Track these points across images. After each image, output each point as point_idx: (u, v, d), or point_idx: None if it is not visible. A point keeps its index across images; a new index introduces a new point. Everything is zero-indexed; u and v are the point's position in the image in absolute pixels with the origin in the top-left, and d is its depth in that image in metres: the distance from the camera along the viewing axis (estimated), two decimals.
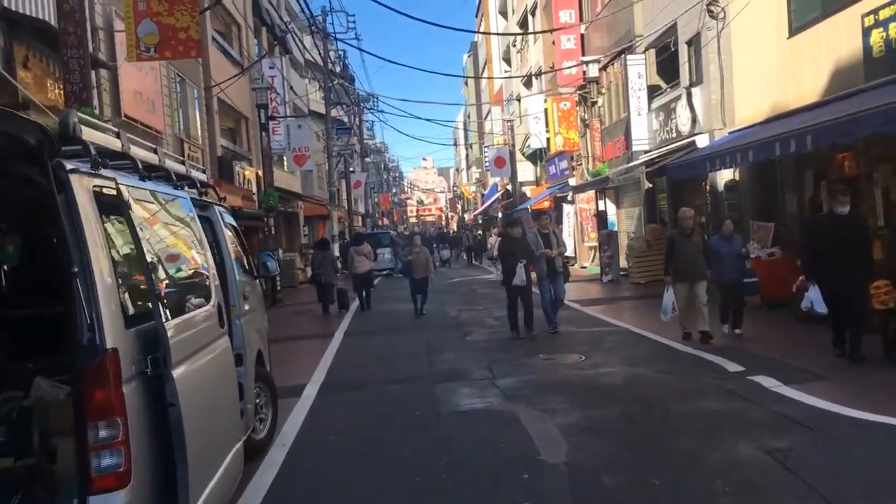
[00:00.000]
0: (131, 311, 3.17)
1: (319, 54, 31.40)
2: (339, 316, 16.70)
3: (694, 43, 16.74)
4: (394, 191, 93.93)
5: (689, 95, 16.43)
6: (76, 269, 2.88)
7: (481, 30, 57.75)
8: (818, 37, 11.92)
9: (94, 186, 3.14)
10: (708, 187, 16.10)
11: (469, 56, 68.74)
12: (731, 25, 14.86)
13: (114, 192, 3.25)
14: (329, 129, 33.24)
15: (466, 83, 70.78)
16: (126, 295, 3.17)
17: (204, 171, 5.86)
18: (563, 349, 10.09)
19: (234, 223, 6.41)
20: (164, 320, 3.28)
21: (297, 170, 27.37)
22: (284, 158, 25.57)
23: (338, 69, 36.23)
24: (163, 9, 8.82)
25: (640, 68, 19.49)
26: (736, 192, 15.27)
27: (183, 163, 5.10)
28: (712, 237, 10.50)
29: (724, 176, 15.37)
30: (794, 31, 12.70)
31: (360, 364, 10.19)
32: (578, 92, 23.72)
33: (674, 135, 17.52)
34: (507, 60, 44.40)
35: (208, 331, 4.09)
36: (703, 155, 13.44)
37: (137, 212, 3.51)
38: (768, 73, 13.59)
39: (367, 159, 56.15)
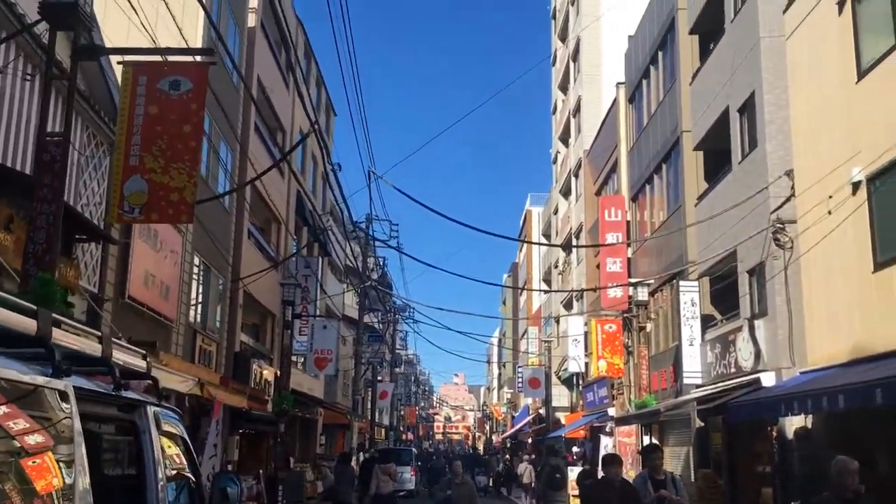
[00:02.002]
0: None
1: (353, 260, 30.86)
2: None
3: (757, 273, 15.42)
4: (422, 404, 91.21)
5: (752, 328, 14.84)
6: None
7: (523, 254, 58.03)
8: None
9: None
10: (775, 433, 14.06)
11: (509, 276, 68.86)
12: (803, 256, 13.55)
13: None
14: (360, 334, 32.03)
15: (504, 302, 70.38)
16: None
17: (145, 356, 4.31)
18: None
19: (182, 432, 4.75)
20: None
21: (318, 374, 25.81)
22: (304, 360, 24.12)
23: (376, 275, 35.65)
24: (158, 165, 7.72)
25: (693, 295, 18.11)
26: (808, 443, 13.20)
27: (99, 339, 3.57)
28: None
29: (794, 422, 13.38)
30: (880, 264, 11.28)
31: None
32: (624, 315, 22.33)
33: (732, 370, 15.74)
34: (548, 282, 43.75)
35: None
36: (776, 395, 11.62)
37: None
38: (849, 309, 12.04)
39: (398, 369, 54.49)
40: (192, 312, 16.24)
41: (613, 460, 8.44)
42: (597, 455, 26.36)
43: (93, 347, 3.63)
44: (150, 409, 4.10)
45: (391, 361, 47.78)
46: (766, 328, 14.63)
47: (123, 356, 4.10)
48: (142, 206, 7.73)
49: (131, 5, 8.61)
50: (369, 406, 36.79)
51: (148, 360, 4.36)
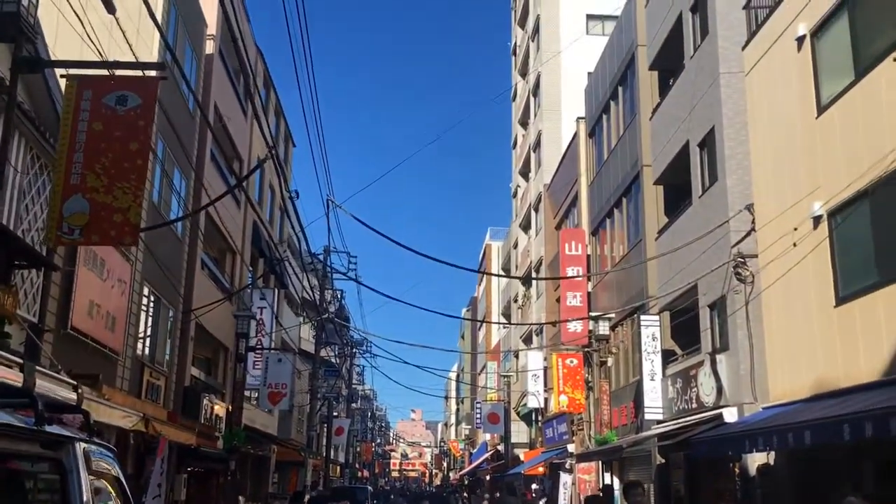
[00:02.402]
0: None
1: (310, 292, 30.32)
2: None
3: (718, 307, 15.36)
4: (378, 441, 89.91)
5: (714, 363, 14.73)
6: None
7: (482, 288, 57.88)
8: (874, 306, 10.41)
9: None
10: (737, 470, 13.88)
11: (468, 310, 68.53)
12: (764, 290, 13.51)
13: None
14: (316, 369, 31.35)
15: (463, 336, 70.02)
16: None
17: (76, 387, 3.91)
18: None
19: (117, 472, 4.32)
20: None
21: (272, 409, 25.11)
22: (257, 395, 23.41)
23: (333, 308, 35.06)
24: (100, 184, 7.26)
25: (654, 330, 17.99)
26: (771, 480, 13.04)
27: (21, 368, 3.19)
28: None
29: (756, 458, 13.23)
30: (842, 299, 11.24)
31: None
32: (585, 349, 22.15)
33: (694, 405, 15.59)
34: (507, 317, 43.55)
35: None
36: (740, 431, 11.44)
37: None
38: (810, 344, 11.97)
39: (354, 405, 53.61)
40: (139, 345, 15.62)
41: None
42: (556, 492, 25.99)
43: (16, 377, 3.25)
44: (79, 446, 3.69)
45: (347, 397, 46.99)
46: (727, 363, 14.52)
47: (51, 387, 3.71)
48: (82, 227, 7.25)
49: (79, 19, 8.24)
50: (324, 442, 35.97)
51: (80, 391, 3.96)
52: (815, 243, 11.76)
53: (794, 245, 11.97)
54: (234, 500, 19.85)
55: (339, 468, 46.74)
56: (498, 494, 32.00)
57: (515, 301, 40.20)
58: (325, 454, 35.37)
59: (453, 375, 73.82)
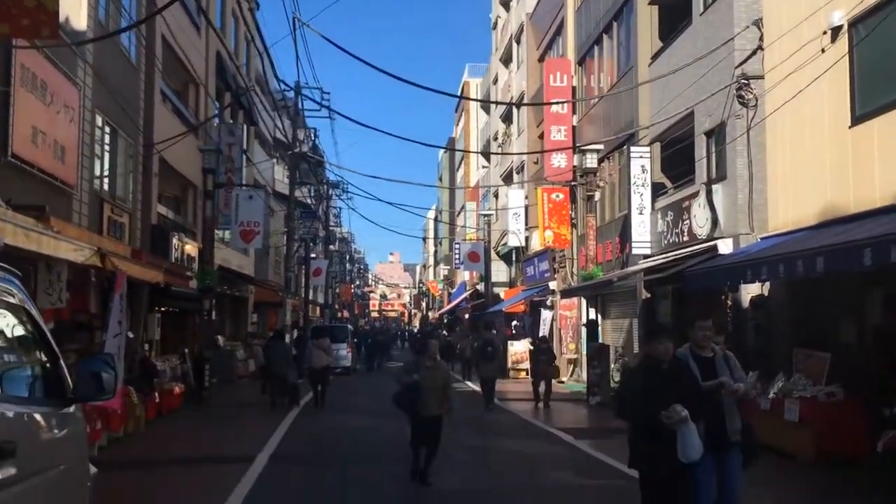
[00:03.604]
0: None
1: (283, 129, 28.91)
2: (282, 416, 14.68)
3: (716, 134, 14.42)
4: (357, 283, 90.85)
5: (710, 193, 13.96)
6: None
7: (461, 127, 56.36)
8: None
9: None
10: (729, 302, 13.43)
11: (446, 152, 67.24)
12: (769, 114, 12.52)
13: None
14: (292, 209, 30.43)
15: (441, 179, 69.11)
16: None
17: None
18: None
19: (21, 300, 3.43)
20: None
21: (246, 247, 24.39)
22: (229, 234, 22.55)
23: (306, 147, 33.74)
24: None
25: (644, 162, 17.13)
26: (764, 311, 12.59)
27: None
28: None
29: (750, 290, 12.74)
30: (858, 118, 10.31)
31: None
32: (570, 184, 21.33)
33: (686, 238, 14.97)
34: (487, 157, 42.47)
35: None
36: (740, 260, 10.78)
37: None
38: (819, 169, 11.14)
39: (332, 247, 53.28)
40: (98, 180, 14.53)
41: (662, 333, 5.54)
42: (536, 329, 26.02)
43: None
44: None
45: (325, 238, 46.50)
46: (724, 193, 13.76)
47: None
48: None
49: None
50: (303, 283, 35.67)
51: None
52: (833, 59, 10.68)
53: (823, 51, 10.78)
54: (212, 339, 19.44)
55: (318, 309, 46.95)
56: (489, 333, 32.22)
57: (496, 139, 38.99)
58: (303, 295, 35.17)
59: (431, 215, 73.52)
